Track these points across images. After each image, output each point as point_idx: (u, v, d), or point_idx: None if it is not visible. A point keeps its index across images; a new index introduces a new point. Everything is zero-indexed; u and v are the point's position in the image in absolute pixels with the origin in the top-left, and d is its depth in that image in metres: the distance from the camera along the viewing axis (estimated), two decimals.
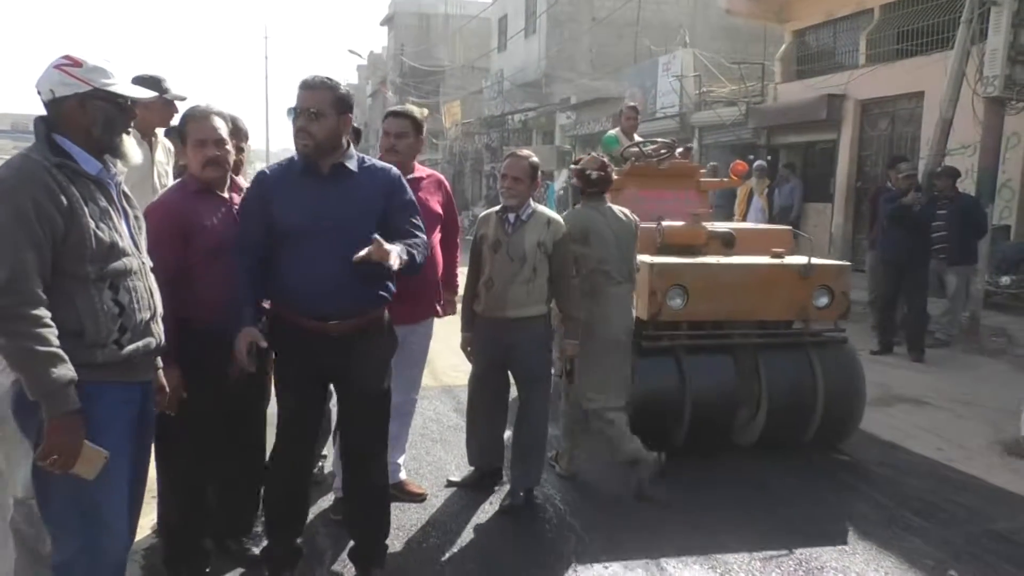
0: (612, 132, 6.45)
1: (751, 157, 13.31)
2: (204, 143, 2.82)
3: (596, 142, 21.48)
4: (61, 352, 1.97)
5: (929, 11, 10.55)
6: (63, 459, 2.00)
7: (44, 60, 2.21)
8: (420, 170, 3.66)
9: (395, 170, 2.92)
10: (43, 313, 1.96)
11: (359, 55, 40.40)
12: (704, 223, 4.92)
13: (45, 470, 2.03)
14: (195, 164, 2.86)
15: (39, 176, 2.03)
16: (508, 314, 3.71)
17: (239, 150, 3.29)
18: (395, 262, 2.60)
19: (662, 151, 5.83)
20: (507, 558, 3.35)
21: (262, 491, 3.12)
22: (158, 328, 2.32)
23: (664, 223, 4.81)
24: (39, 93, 2.16)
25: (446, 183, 3.83)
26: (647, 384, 4.33)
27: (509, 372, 3.92)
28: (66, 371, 1.97)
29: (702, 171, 6.10)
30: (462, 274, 3.99)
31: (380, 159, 3.19)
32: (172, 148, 4.30)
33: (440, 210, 3.65)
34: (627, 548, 3.45)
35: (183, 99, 3.32)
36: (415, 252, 2.78)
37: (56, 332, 1.98)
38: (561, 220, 3.83)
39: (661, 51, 17.68)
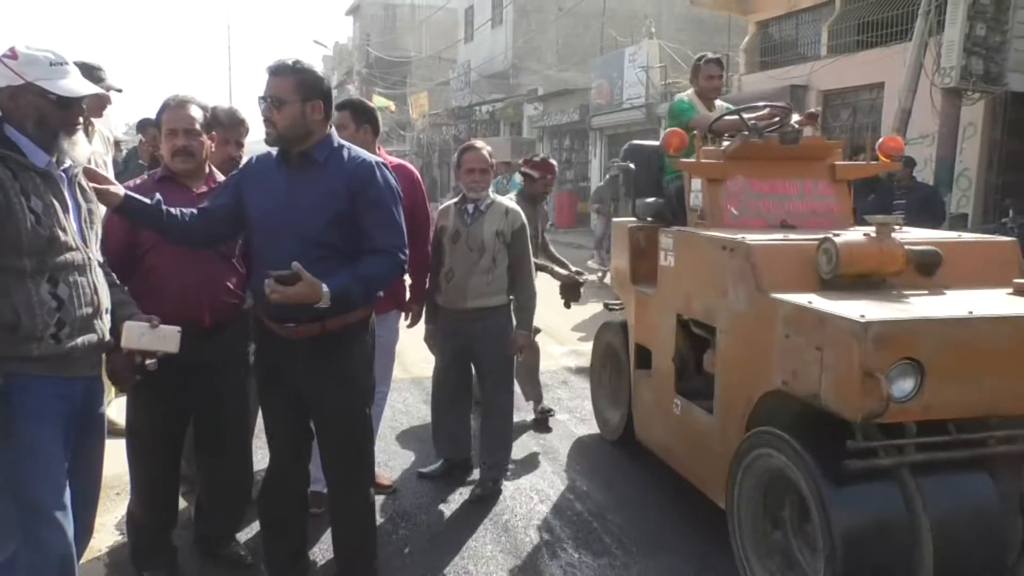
0: (683, 96, 4.56)
1: None
2: (175, 132, 2.77)
3: (563, 133, 21.65)
4: None
5: (889, 3, 10.73)
6: None
7: (1, 50, 2.15)
8: (389, 160, 3.55)
9: (371, 160, 2.62)
10: None
11: (324, 46, 39.96)
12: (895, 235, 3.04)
13: None
14: (166, 154, 2.83)
15: None
16: (468, 304, 3.73)
17: (238, 144, 3.24)
18: (319, 301, 2.35)
19: (775, 120, 3.89)
20: (478, 547, 3.36)
21: (249, 494, 3.09)
22: (103, 324, 2.27)
23: (840, 238, 2.90)
24: None
25: (416, 174, 3.79)
26: (853, 527, 2.47)
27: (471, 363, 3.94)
28: None
29: (837, 150, 3.94)
30: None
31: None
32: (111, 138, 4.26)
33: (407, 203, 3.57)
34: (598, 537, 3.48)
35: (119, 91, 3.25)
36: (354, 289, 2.47)
37: None
38: (519, 210, 3.87)
39: (627, 42, 17.75)
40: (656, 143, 4.47)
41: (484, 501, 3.78)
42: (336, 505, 2.82)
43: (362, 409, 2.72)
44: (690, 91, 4.57)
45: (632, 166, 4.43)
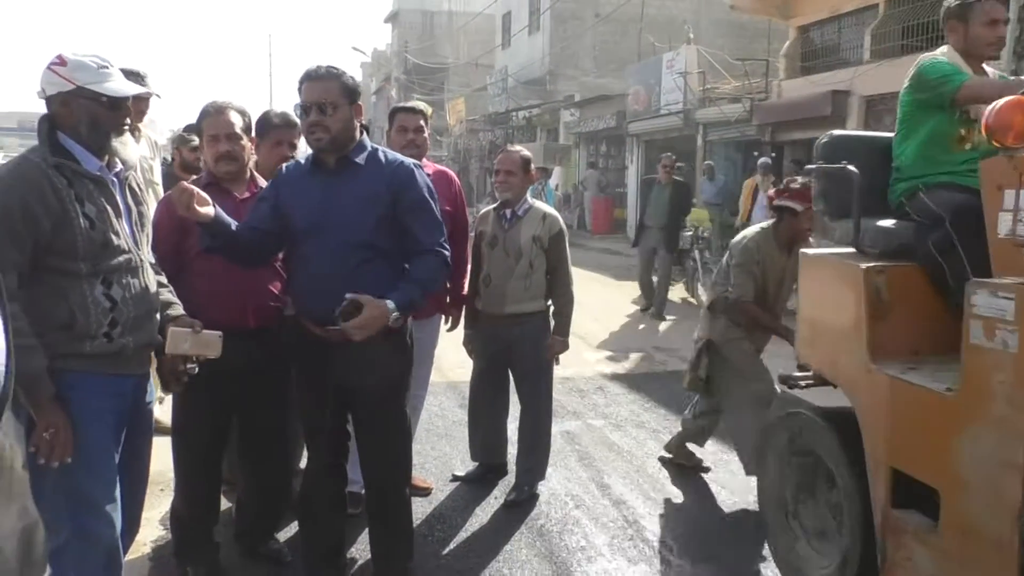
0: (939, 53, 2.92)
1: (756, 154, 13.30)
2: (217, 138, 2.83)
3: (599, 139, 21.59)
4: (33, 342, 2.02)
5: (935, 6, 10.47)
6: (59, 441, 2.05)
7: (50, 59, 2.22)
8: (428, 165, 3.60)
9: (409, 163, 2.68)
10: (16, 307, 1.99)
11: (363, 52, 40.45)
12: None
13: (38, 461, 2.07)
14: (209, 159, 2.89)
15: (33, 178, 2.08)
16: (506, 310, 3.74)
17: (291, 146, 3.29)
18: (387, 321, 2.44)
19: None
20: (513, 552, 3.36)
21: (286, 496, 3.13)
22: (153, 324, 2.34)
23: None
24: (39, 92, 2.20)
25: (456, 180, 3.83)
26: None
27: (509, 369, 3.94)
28: (39, 360, 2.03)
29: None
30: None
31: None
32: (158, 142, 4.39)
33: (448, 208, 3.54)
34: (635, 544, 3.46)
35: (158, 96, 3.33)
36: (415, 295, 2.54)
37: (27, 325, 2.02)
38: (557, 215, 3.87)
39: (665, 48, 17.64)
40: (882, 135, 3.29)
41: (520, 506, 3.78)
42: (373, 505, 2.84)
43: (400, 410, 2.75)
44: (945, 48, 2.92)
45: (853, 169, 2.81)
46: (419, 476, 3.99)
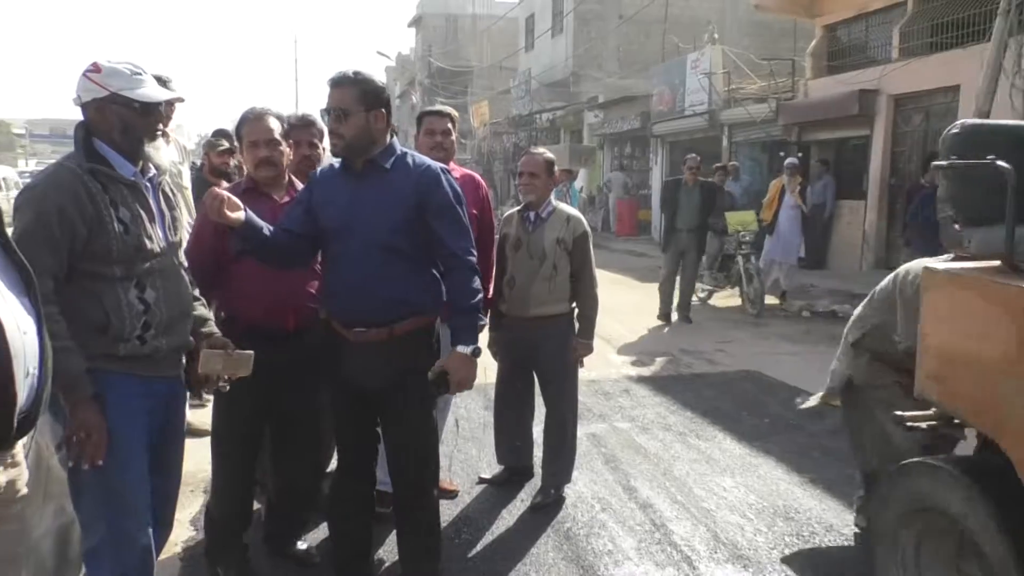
0: None
1: (782, 154, 13.17)
2: (256, 144, 2.88)
3: (623, 141, 21.50)
4: (71, 344, 2.06)
5: (964, 3, 10.35)
6: (92, 443, 2.09)
7: (81, 66, 2.26)
8: (455, 169, 3.58)
9: (435, 167, 2.68)
10: (53, 310, 2.04)
11: (387, 57, 40.64)
12: None
13: (69, 464, 2.11)
14: (249, 165, 2.94)
15: (69, 184, 2.13)
16: (530, 312, 3.74)
17: (310, 145, 3.33)
18: (474, 363, 2.58)
19: None
20: (540, 555, 3.36)
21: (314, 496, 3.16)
22: (186, 327, 2.38)
23: None
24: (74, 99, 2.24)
25: (483, 183, 3.82)
26: None
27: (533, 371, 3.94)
28: (78, 362, 2.07)
29: None
30: None
31: None
32: (186, 147, 4.46)
33: (475, 212, 3.52)
34: (662, 548, 3.44)
35: (182, 100, 3.38)
36: (471, 319, 2.61)
37: (64, 327, 2.05)
38: (581, 217, 3.86)
39: (689, 48, 17.55)
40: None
41: (546, 509, 3.77)
42: (401, 506, 2.86)
43: (427, 411, 2.77)
44: None
45: (1004, 165, 2.30)
46: (446, 479, 4.00)
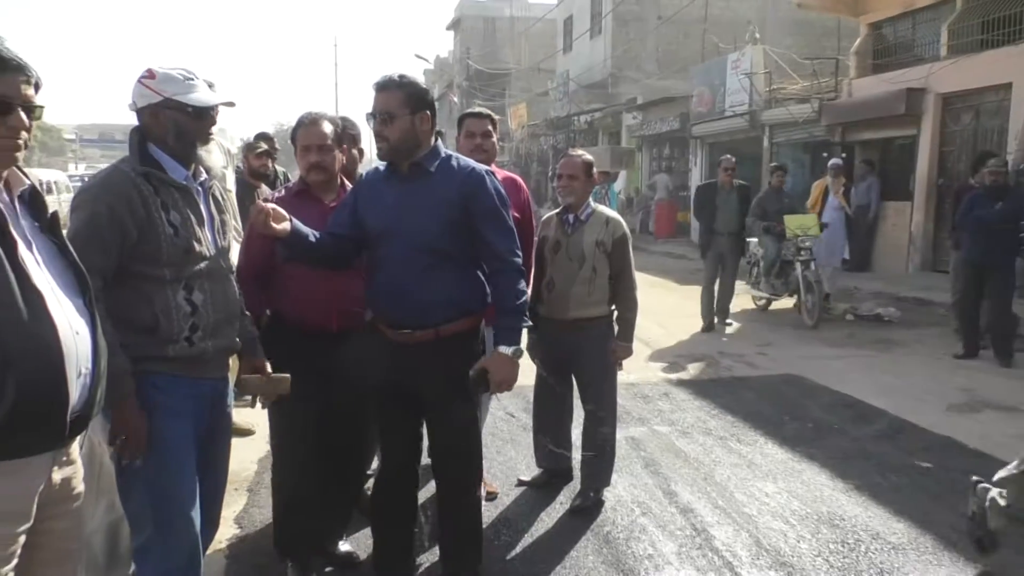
0: None
1: (825, 155, 12.96)
2: (309, 149, 2.91)
3: (662, 142, 21.34)
4: (115, 343, 2.08)
5: None
6: (132, 441, 2.14)
7: (128, 73, 2.33)
8: (497, 172, 3.52)
9: (480, 169, 2.70)
10: (100, 309, 2.06)
11: (426, 60, 40.92)
12: None
13: (115, 459, 2.18)
14: (301, 169, 2.98)
15: (121, 186, 2.18)
16: (569, 315, 3.72)
17: (349, 152, 3.35)
18: (516, 364, 2.60)
19: None
20: (579, 558, 3.35)
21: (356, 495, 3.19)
22: (232, 329, 2.42)
23: None
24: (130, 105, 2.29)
25: (524, 186, 3.80)
26: None
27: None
28: (122, 362, 2.10)
29: None
30: None
31: None
32: (230, 150, 4.53)
33: (516, 215, 3.46)
34: (703, 553, 3.40)
35: (232, 104, 3.43)
36: (515, 320, 2.63)
37: (111, 326, 2.08)
38: (621, 219, 3.84)
39: (730, 48, 17.36)
40: None
41: (585, 512, 3.75)
42: (444, 506, 2.87)
43: (471, 411, 2.79)
44: None
45: None
46: (485, 480, 4.01)
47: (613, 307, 3.83)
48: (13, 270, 1.64)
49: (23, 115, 1.72)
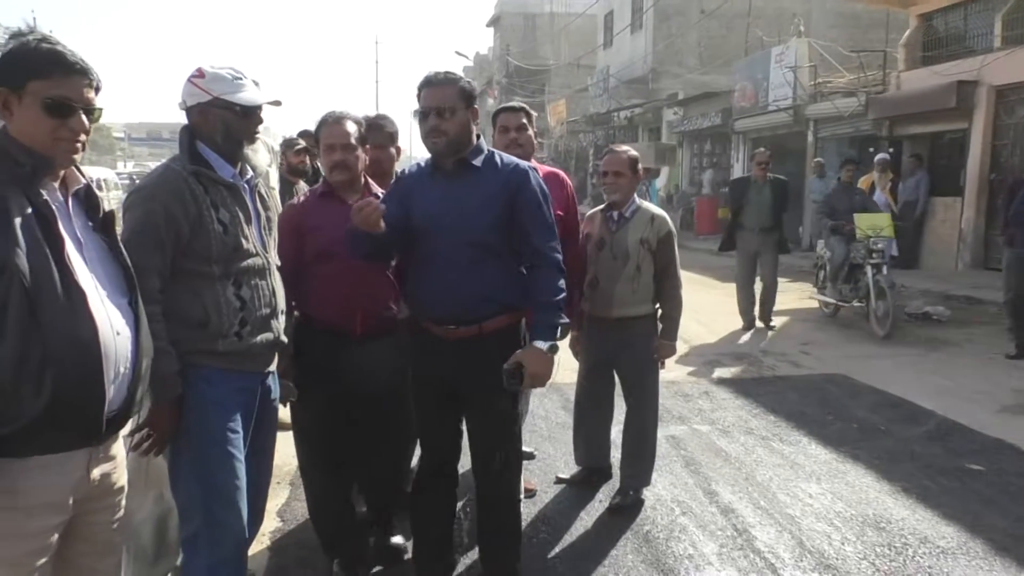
0: None
1: (872, 149, 12.69)
2: (333, 148, 2.90)
3: (704, 138, 21.11)
4: (168, 347, 2.14)
5: None
6: (157, 440, 2.19)
7: (175, 72, 2.37)
8: (540, 168, 3.40)
9: (524, 165, 2.72)
10: (156, 309, 2.13)
11: (466, 56, 41.01)
12: None
13: (176, 453, 2.23)
14: (325, 168, 2.98)
15: (174, 184, 2.21)
16: (614, 313, 3.69)
17: (377, 147, 3.29)
18: (551, 360, 2.55)
19: None
20: (618, 556, 3.33)
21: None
22: (279, 324, 2.45)
23: None
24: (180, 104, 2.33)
25: (568, 182, 3.69)
26: None
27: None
28: (171, 364, 2.15)
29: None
30: None
31: None
32: (274, 147, 4.56)
33: (560, 212, 3.38)
34: (745, 554, 3.36)
35: (278, 103, 3.46)
36: (553, 315, 2.59)
37: (164, 328, 2.13)
38: (666, 217, 3.79)
39: (774, 42, 17.09)
40: None
41: (624, 510, 3.73)
42: (484, 503, 2.88)
43: (512, 409, 2.79)
44: None
45: None
46: (524, 478, 4.00)
47: (657, 305, 3.80)
48: (58, 269, 1.67)
49: (84, 118, 1.77)
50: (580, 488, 4.01)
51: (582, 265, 3.75)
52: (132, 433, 2.18)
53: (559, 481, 4.10)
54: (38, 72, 1.70)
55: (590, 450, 4.05)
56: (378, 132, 3.24)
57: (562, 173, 3.65)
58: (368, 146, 3.07)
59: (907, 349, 7.29)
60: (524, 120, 3.56)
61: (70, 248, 1.73)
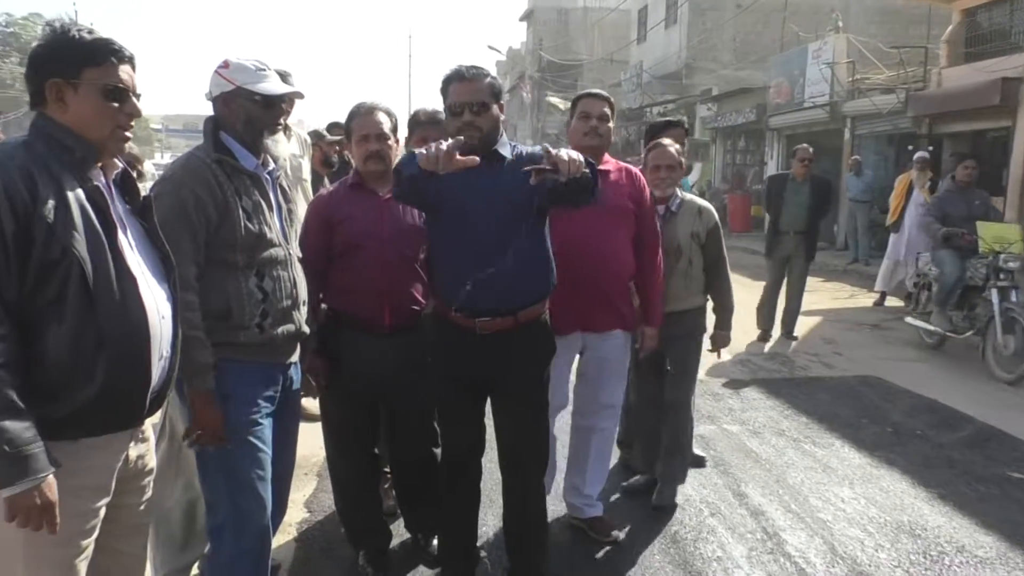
0: None
1: (910, 147, 12.44)
2: (367, 138, 2.87)
3: (737, 134, 20.85)
4: (203, 336, 2.15)
5: None
6: (209, 432, 2.19)
7: (212, 65, 2.37)
8: (608, 161, 3.23)
9: (539, 151, 2.57)
10: (193, 298, 2.14)
11: (498, 51, 41.01)
12: None
13: (194, 447, 2.24)
14: (358, 159, 2.95)
15: (200, 172, 2.23)
16: (667, 308, 3.51)
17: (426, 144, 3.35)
18: (569, 168, 2.27)
19: None
20: (646, 557, 3.28)
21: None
22: (300, 315, 2.44)
23: None
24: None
25: (640, 176, 3.35)
26: None
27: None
28: (207, 355, 2.16)
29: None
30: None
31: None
32: (307, 140, 4.57)
33: (631, 206, 3.20)
34: (775, 558, 3.30)
35: (301, 97, 3.45)
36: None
37: (200, 317, 2.15)
38: (712, 208, 3.72)
39: (811, 37, 16.80)
40: None
41: (666, 509, 3.65)
42: (511, 497, 2.86)
43: (543, 401, 2.76)
44: None
45: None
46: (609, 519, 3.55)
47: (707, 297, 3.74)
48: (112, 254, 1.71)
49: (136, 103, 1.81)
50: (608, 487, 3.94)
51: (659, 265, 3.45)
52: (186, 434, 2.22)
53: (627, 490, 3.88)
54: (93, 60, 1.73)
55: (653, 453, 3.84)
56: (438, 127, 3.15)
57: (632, 167, 3.39)
58: (417, 138, 3.08)
59: (944, 352, 7.12)
60: (607, 109, 3.27)
61: (120, 234, 1.76)
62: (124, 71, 1.78)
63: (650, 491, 3.83)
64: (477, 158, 2.32)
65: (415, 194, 2.53)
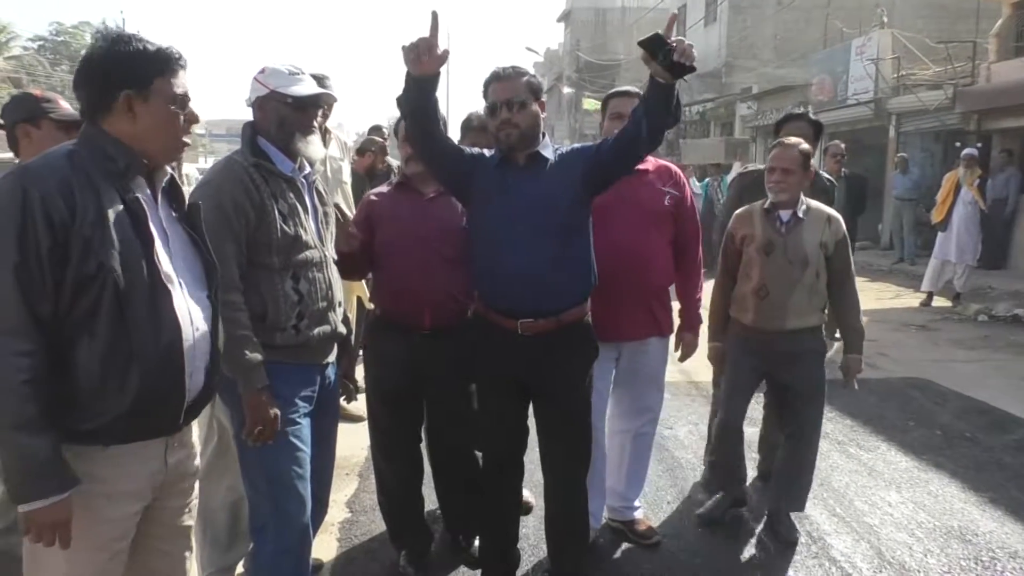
0: None
1: (958, 144, 12.15)
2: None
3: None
4: (252, 335, 2.18)
5: None
6: (266, 430, 2.21)
7: (255, 70, 2.42)
8: (648, 160, 3.14)
9: (591, 147, 2.65)
10: (238, 298, 2.18)
11: (536, 52, 41.01)
12: None
13: (244, 443, 2.25)
14: (403, 158, 3.00)
15: (238, 176, 2.27)
16: (788, 325, 3.29)
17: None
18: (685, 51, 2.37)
19: None
20: (687, 560, 3.26)
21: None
22: (336, 316, 2.47)
23: None
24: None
25: (680, 175, 3.28)
26: None
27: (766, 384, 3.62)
28: (257, 353, 2.19)
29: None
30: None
31: None
32: (347, 143, 4.64)
33: (670, 207, 3.16)
34: (820, 563, 3.25)
35: (334, 100, 3.46)
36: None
37: (247, 316, 2.18)
38: (840, 218, 3.39)
39: (854, 33, 16.50)
40: None
41: (780, 538, 3.40)
42: (552, 498, 2.85)
43: (585, 402, 2.75)
44: None
45: None
46: (646, 520, 3.51)
47: (825, 313, 3.47)
48: (147, 268, 1.71)
49: (193, 108, 1.85)
50: (648, 489, 3.90)
51: (730, 270, 3.44)
52: (246, 432, 2.23)
53: (703, 520, 3.58)
54: (161, 70, 1.76)
55: (739, 477, 3.62)
56: (486, 133, 3.13)
57: (673, 166, 3.31)
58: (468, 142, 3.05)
59: (994, 353, 6.95)
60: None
61: (158, 245, 1.76)
62: (184, 78, 1.81)
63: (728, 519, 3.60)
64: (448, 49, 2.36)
65: (437, 157, 2.60)
